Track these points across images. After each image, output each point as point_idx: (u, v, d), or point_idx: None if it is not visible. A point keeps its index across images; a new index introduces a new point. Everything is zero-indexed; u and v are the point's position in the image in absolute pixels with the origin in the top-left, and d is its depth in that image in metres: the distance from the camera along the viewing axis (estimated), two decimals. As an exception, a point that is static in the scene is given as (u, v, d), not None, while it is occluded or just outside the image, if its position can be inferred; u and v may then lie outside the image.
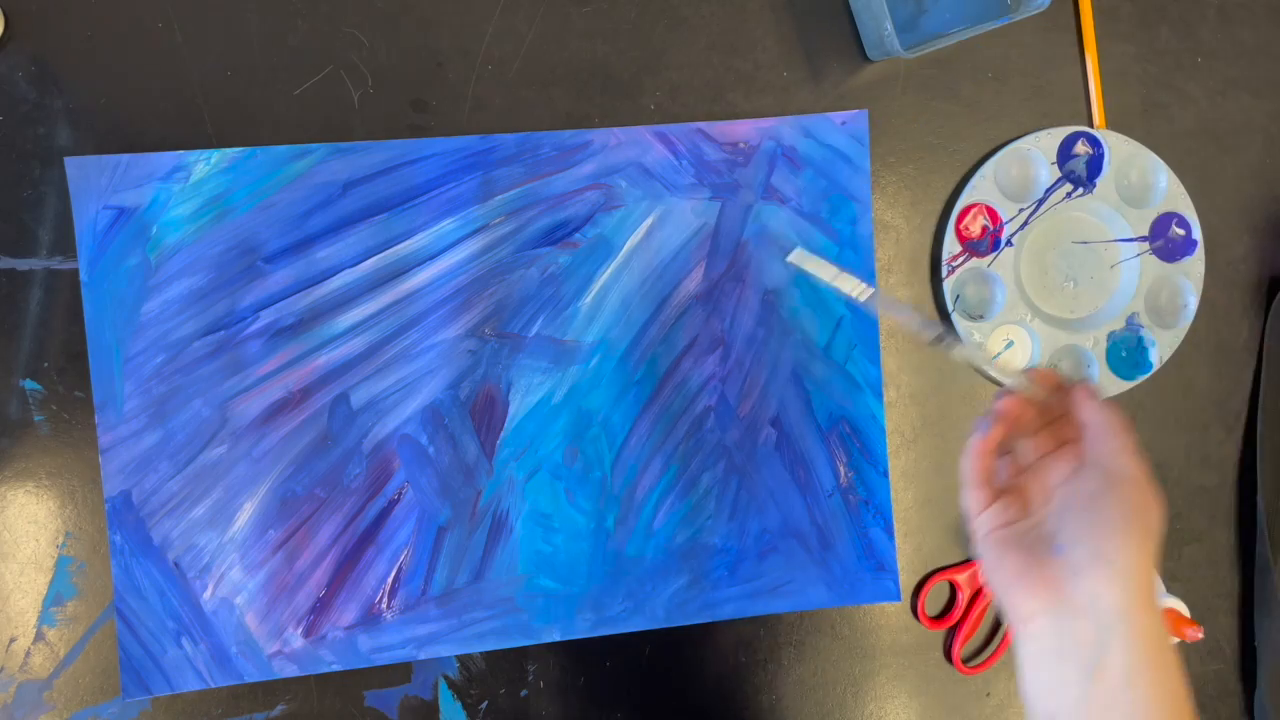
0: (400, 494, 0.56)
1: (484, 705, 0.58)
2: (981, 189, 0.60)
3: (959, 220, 0.60)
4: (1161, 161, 0.62)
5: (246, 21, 0.55)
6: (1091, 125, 0.62)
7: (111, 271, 0.54)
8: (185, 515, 0.55)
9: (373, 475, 0.56)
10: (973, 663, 0.62)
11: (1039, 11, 0.57)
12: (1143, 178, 0.62)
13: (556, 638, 0.58)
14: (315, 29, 0.56)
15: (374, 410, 0.56)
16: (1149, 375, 0.62)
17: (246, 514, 0.55)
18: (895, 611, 0.61)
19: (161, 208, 0.54)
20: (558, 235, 0.58)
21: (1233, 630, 0.65)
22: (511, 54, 0.57)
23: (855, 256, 0.60)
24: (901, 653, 0.61)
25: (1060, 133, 0.61)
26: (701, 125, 0.59)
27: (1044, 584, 0.41)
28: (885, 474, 0.60)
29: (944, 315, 0.61)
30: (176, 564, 0.55)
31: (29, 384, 0.54)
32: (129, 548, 0.54)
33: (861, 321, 0.60)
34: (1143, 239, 0.62)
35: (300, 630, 0.55)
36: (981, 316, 0.61)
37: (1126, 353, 0.62)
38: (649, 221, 0.58)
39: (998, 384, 0.46)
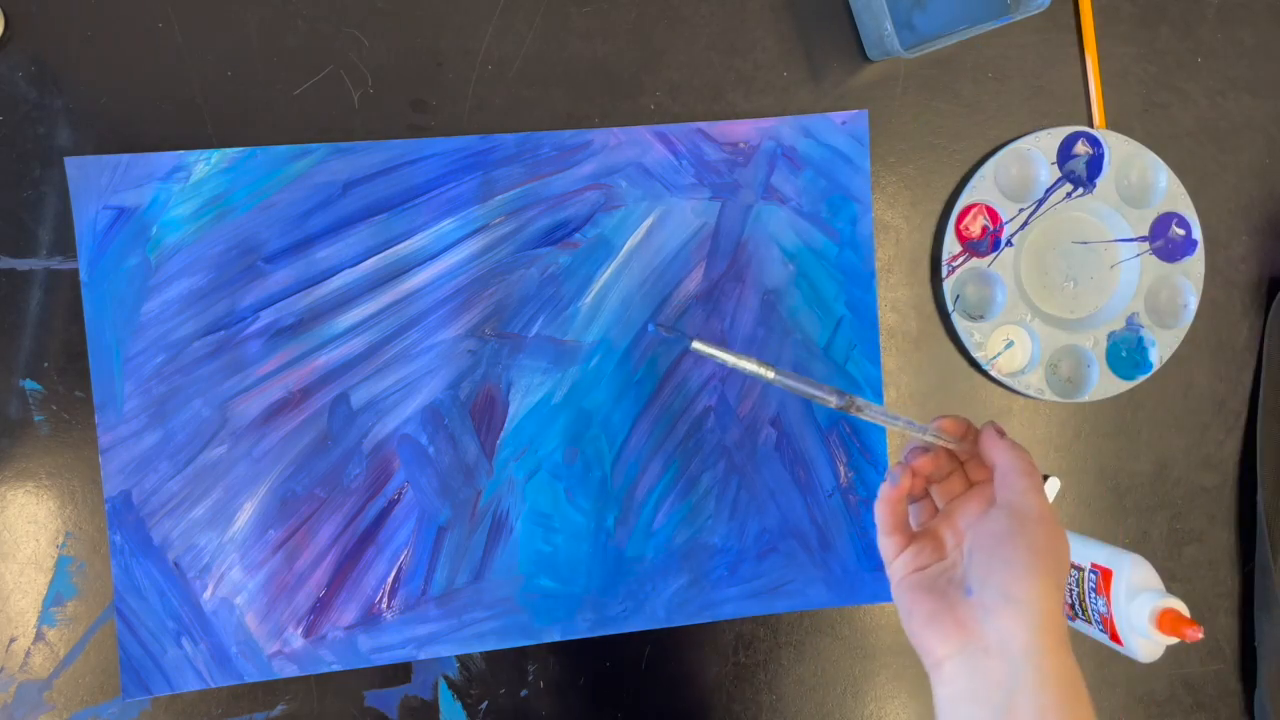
0: (400, 494, 0.56)
1: (484, 705, 0.58)
2: (981, 189, 0.60)
3: (959, 220, 0.60)
4: (1161, 161, 0.62)
5: (246, 21, 0.55)
6: (1091, 125, 0.62)
7: (111, 271, 0.54)
8: (185, 515, 0.55)
9: (373, 475, 0.56)
10: (973, 663, 0.62)
11: (1039, 11, 0.57)
12: (1143, 178, 0.62)
13: (556, 638, 0.58)
14: (315, 29, 0.56)
15: (374, 410, 0.56)
16: (1149, 375, 0.62)
17: (246, 514, 0.55)
18: (895, 611, 0.61)
19: (161, 208, 0.54)
20: (558, 235, 0.58)
21: (1233, 630, 0.65)
22: (511, 54, 0.57)
23: (855, 256, 0.60)
24: (901, 653, 0.61)
25: (1060, 133, 0.61)
26: (701, 125, 0.59)
27: (956, 626, 0.41)
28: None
29: (944, 315, 0.61)
30: (176, 564, 0.55)
31: (29, 384, 0.54)
32: (129, 548, 0.54)
33: (861, 322, 0.60)
34: (1143, 239, 0.62)
35: (300, 630, 0.55)
36: (981, 316, 0.61)
37: (1126, 353, 0.62)
38: (649, 221, 0.58)
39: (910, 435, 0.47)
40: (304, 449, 0.56)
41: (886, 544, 0.46)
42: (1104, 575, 0.53)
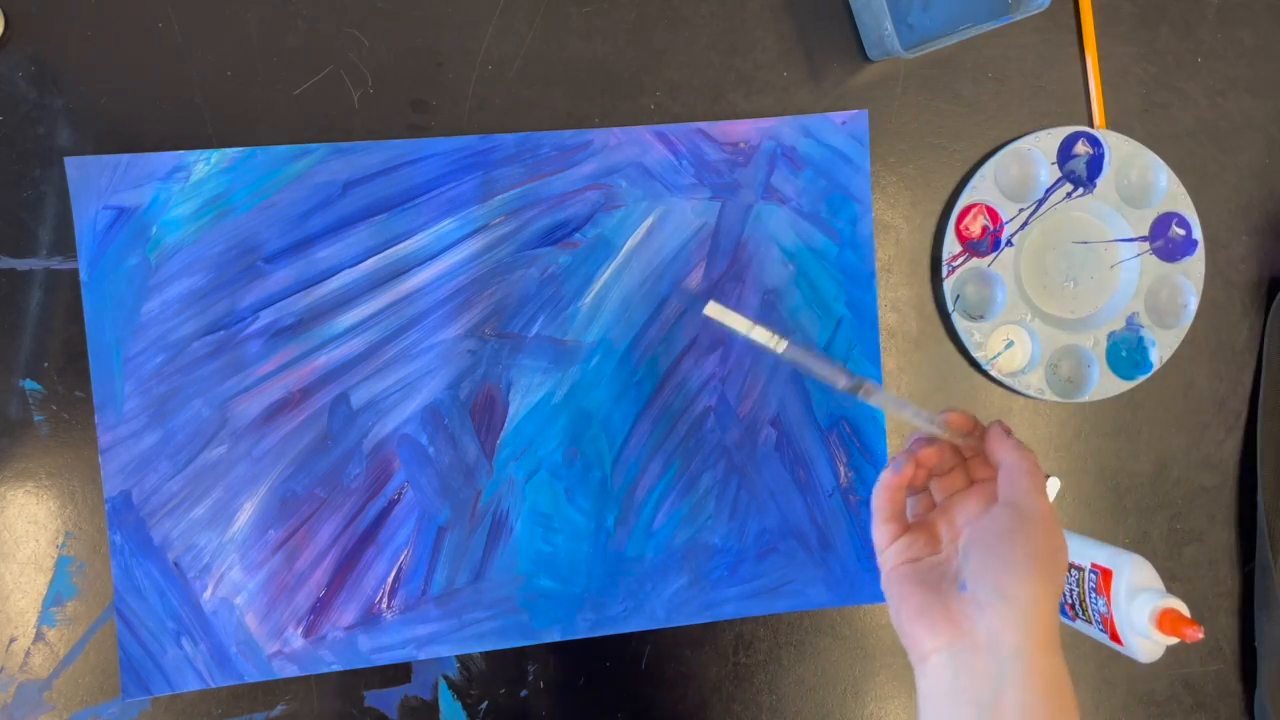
0: (400, 494, 0.56)
1: (484, 705, 0.58)
2: (981, 189, 0.60)
3: (959, 220, 0.60)
4: (1161, 161, 0.62)
5: (246, 21, 0.55)
6: (1091, 125, 0.62)
7: (111, 271, 0.54)
8: (185, 515, 0.55)
9: (373, 475, 0.56)
10: (973, 663, 0.62)
11: (1039, 11, 0.57)
12: (1143, 178, 0.62)
13: (556, 638, 0.58)
14: (315, 29, 0.56)
15: (374, 410, 0.56)
16: (1149, 375, 0.62)
17: (246, 514, 0.55)
18: (895, 611, 0.61)
19: (161, 208, 0.54)
20: (558, 235, 0.58)
21: (1233, 630, 0.65)
22: (511, 54, 0.57)
23: (855, 256, 0.60)
24: (901, 653, 0.61)
25: (1060, 133, 0.61)
26: (701, 125, 0.59)
27: (946, 620, 0.41)
28: (885, 474, 0.60)
29: (944, 315, 0.61)
30: (176, 564, 0.55)
31: (29, 384, 0.54)
32: (129, 548, 0.54)
33: (861, 322, 0.60)
34: (1143, 239, 0.62)
35: (300, 630, 0.55)
36: (981, 316, 0.61)
37: (1127, 352, 0.62)
38: (649, 221, 0.58)
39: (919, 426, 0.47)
40: (304, 449, 0.56)
41: (881, 532, 0.46)
42: (1104, 575, 0.53)
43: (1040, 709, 0.38)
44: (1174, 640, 0.57)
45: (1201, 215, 0.62)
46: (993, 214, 0.61)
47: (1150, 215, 0.62)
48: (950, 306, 0.60)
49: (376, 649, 0.56)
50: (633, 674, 0.59)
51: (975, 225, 0.61)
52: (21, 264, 0.54)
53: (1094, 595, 0.54)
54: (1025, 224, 0.61)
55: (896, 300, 0.61)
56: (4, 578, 0.54)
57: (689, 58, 0.59)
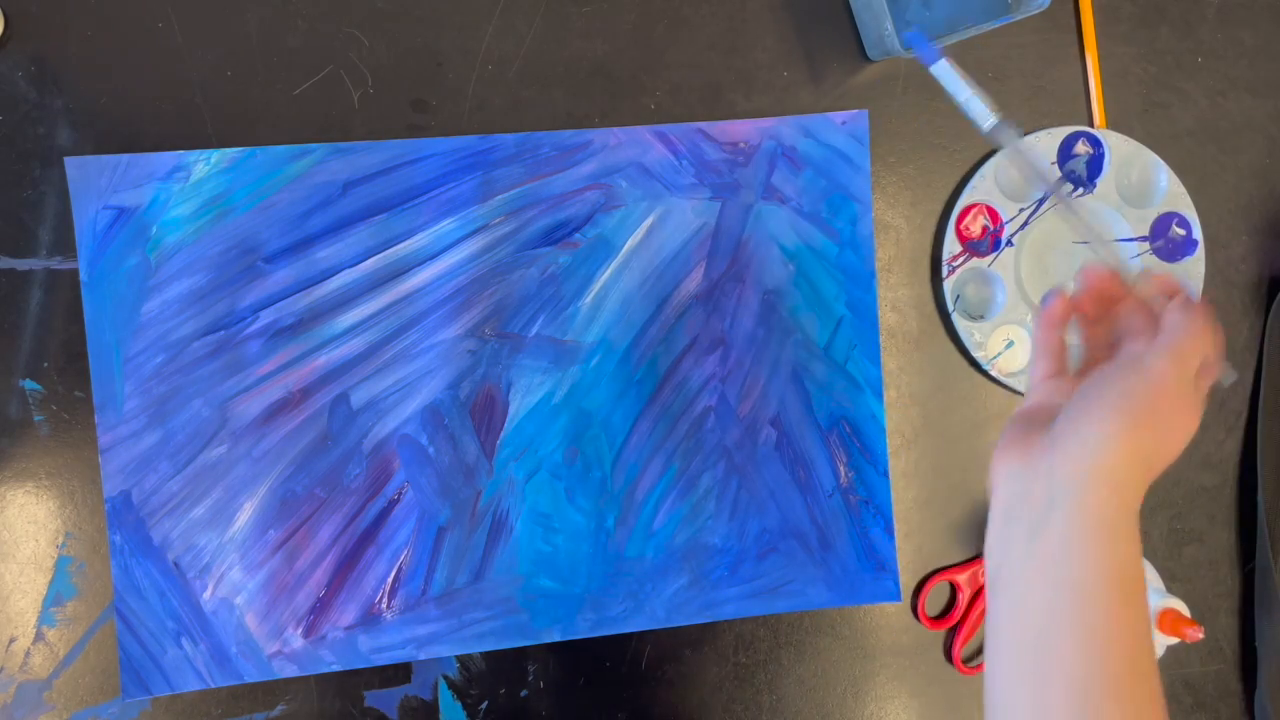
0: (400, 494, 0.56)
1: (484, 705, 0.58)
2: (982, 189, 0.60)
3: (959, 220, 0.60)
4: (1162, 161, 0.62)
5: (246, 21, 0.55)
6: (1092, 125, 0.62)
7: (111, 271, 0.54)
8: (185, 515, 0.55)
9: (373, 475, 0.56)
10: (973, 663, 0.62)
11: (1039, 11, 0.57)
12: (1143, 177, 0.62)
13: (556, 638, 0.58)
14: (315, 29, 0.56)
15: (374, 410, 0.56)
16: (1149, 375, 0.62)
17: (246, 514, 0.55)
18: (895, 611, 0.61)
19: (161, 208, 0.54)
20: (558, 235, 0.58)
21: (1233, 630, 0.64)
22: (511, 54, 0.57)
23: (855, 256, 0.60)
24: (901, 653, 0.61)
25: (1060, 133, 0.61)
26: (701, 125, 0.59)
27: (1024, 450, 0.41)
28: (885, 474, 0.60)
29: (944, 315, 0.61)
30: (176, 564, 0.55)
31: (29, 384, 0.54)
32: (129, 548, 0.54)
33: (862, 321, 0.60)
34: (1143, 239, 0.62)
35: (300, 630, 0.55)
36: (982, 316, 0.61)
37: (1126, 353, 0.62)
38: (649, 221, 0.58)
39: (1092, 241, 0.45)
40: (304, 449, 0.56)
41: (1039, 366, 0.46)
42: (1104, 575, 0.53)
43: (1082, 543, 0.38)
44: (1174, 640, 0.58)
45: (1201, 215, 0.62)
46: (993, 214, 0.61)
47: (1150, 215, 0.62)
48: (950, 306, 0.60)
49: (376, 649, 0.56)
50: (633, 674, 0.59)
51: (975, 225, 0.61)
52: (21, 264, 0.54)
53: (1094, 595, 0.53)
54: (1025, 224, 0.61)
55: (896, 300, 0.61)
56: (4, 578, 0.54)
57: (689, 58, 0.59)
